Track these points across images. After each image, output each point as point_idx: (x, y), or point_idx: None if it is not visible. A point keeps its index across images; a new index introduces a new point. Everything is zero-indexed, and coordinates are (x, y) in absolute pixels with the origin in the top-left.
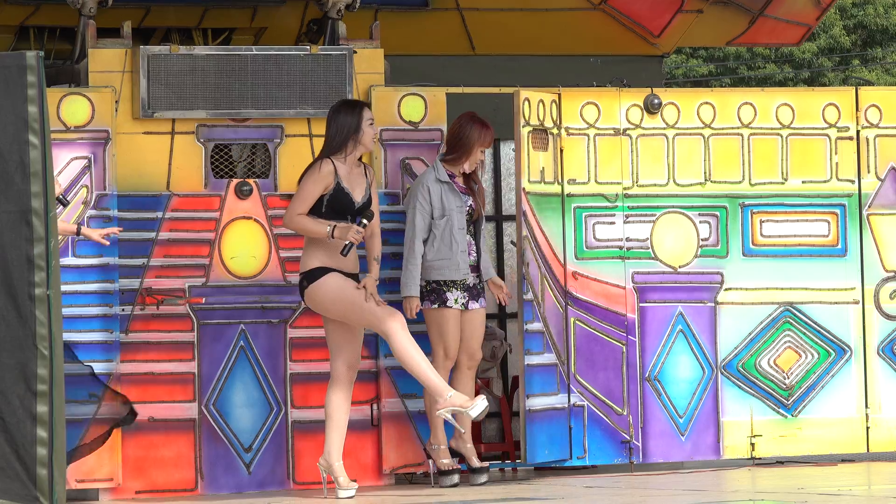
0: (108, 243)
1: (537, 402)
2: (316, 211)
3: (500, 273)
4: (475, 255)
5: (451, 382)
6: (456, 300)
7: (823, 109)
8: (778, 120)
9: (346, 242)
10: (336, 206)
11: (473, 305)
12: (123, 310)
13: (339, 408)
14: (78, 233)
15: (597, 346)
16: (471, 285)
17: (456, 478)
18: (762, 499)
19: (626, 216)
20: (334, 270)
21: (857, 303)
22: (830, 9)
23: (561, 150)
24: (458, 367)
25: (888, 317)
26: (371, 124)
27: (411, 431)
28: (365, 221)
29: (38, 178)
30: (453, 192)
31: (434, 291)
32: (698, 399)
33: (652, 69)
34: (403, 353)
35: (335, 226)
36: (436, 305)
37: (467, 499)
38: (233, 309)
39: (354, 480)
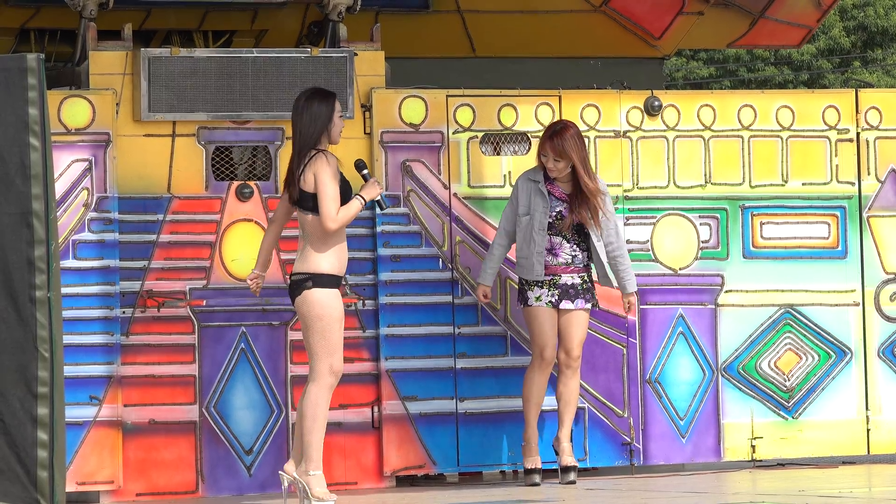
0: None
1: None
2: (305, 204)
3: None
4: (569, 256)
5: (556, 382)
6: (538, 298)
7: (823, 111)
8: (778, 122)
9: (377, 198)
10: (346, 198)
11: (567, 305)
12: (124, 312)
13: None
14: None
15: (597, 348)
16: (567, 284)
17: (536, 478)
18: (763, 501)
19: (627, 218)
20: (341, 281)
21: (857, 305)
22: (831, 10)
23: None
24: (559, 367)
25: (888, 319)
26: (341, 117)
27: (412, 433)
28: (366, 172)
29: (39, 180)
30: (540, 193)
31: (520, 291)
32: (699, 401)
33: (652, 71)
34: (307, 408)
35: (360, 196)
36: (521, 305)
37: (468, 500)
38: (233, 311)
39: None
